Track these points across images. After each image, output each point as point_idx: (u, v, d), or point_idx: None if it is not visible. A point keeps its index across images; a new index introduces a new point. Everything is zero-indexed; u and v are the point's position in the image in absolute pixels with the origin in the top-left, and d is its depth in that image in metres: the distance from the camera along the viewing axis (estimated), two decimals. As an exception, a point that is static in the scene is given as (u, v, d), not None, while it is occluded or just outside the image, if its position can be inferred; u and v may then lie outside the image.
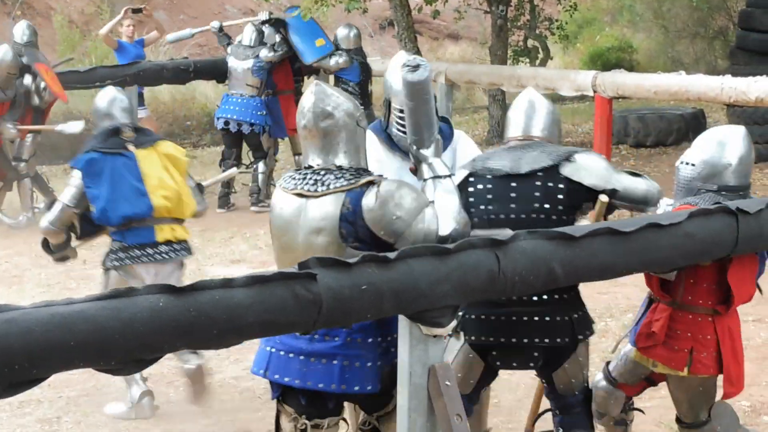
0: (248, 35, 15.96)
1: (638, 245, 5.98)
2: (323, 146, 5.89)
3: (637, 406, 8.26)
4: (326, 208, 5.78)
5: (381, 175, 5.94)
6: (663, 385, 8.42)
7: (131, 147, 8.75)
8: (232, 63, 15.82)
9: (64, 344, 4.23)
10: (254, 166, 15.85)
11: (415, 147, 6.09)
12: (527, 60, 20.59)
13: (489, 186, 6.43)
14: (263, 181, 15.75)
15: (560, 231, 5.77)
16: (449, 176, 6.01)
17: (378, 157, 6.82)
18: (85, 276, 12.10)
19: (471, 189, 6.45)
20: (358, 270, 5.03)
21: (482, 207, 6.41)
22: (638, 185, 6.48)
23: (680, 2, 27.08)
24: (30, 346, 4.16)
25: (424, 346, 5.36)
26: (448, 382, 5.35)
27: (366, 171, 5.93)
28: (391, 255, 5.17)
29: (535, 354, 6.40)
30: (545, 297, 6.33)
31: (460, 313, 6.17)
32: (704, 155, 6.82)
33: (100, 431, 8.17)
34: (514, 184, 6.38)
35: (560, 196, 6.34)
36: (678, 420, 7.15)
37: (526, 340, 6.30)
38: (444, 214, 5.81)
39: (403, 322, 5.38)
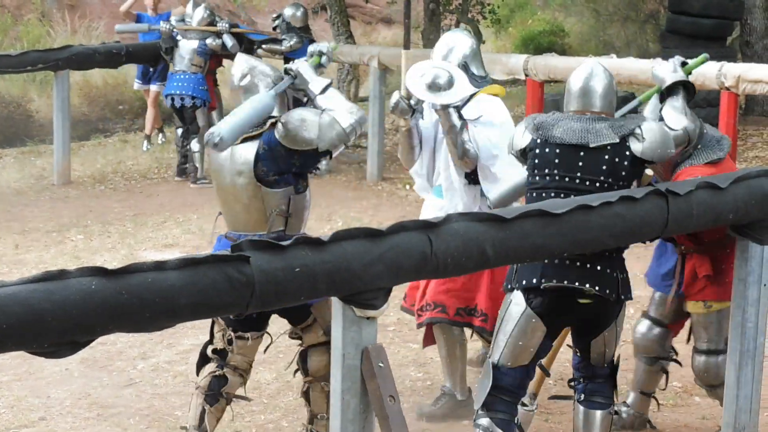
0: (197, 17, 15.94)
1: (569, 226, 6.01)
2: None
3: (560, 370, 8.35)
4: (246, 153, 6.97)
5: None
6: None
7: None
8: (180, 43, 15.84)
9: (-5, 326, 4.22)
10: (187, 145, 15.89)
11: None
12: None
13: (557, 151, 6.61)
14: (199, 159, 15.76)
15: (492, 213, 5.83)
16: (328, 86, 7.13)
17: None
18: (17, 260, 12.05)
19: (537, 151, 6.66)
20: (292, 252, 5.03)
21: (547, 171, 6.61)
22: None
23: (611, -14, 27.25)
24: (-38, 328, 4.15)
25: (358, 328, 5.36)
26: (381, 364, 5.36)
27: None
28: (325, 237, 5.19)
29: (585, 308, 6.58)
30: (603, 254, 6.53)
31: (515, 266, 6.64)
32: None
33: (34, 415, 8.14)
34: (582, 154, 6.59)
35: (624, 172, 6.58)
36: (704, 351, 7.51)
37: (577, 284, 6.45)
38: (339, 112, 6.96)
39: (336, 305, 5.39)
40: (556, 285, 6.48)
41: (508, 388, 6.59)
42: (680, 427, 7.78)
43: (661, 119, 6.97)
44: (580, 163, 6.58)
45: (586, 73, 6.86)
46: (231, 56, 15.76)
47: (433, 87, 7.64)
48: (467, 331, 8.07)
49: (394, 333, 9.45)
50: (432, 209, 8.16)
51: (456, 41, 8.26)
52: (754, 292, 6.89)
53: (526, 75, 13.99)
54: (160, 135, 19.23)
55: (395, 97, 7.97)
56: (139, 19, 17.68)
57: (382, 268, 5.31)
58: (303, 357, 7.33)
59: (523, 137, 6.75)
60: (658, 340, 7.64)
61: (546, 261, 6.45)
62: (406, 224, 5.49)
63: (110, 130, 20.52)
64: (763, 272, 6.90)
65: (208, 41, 15.75)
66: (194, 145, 15.81)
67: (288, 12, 16.55)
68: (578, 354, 6.88)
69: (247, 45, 16.26)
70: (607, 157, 6.58)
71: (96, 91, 18.35)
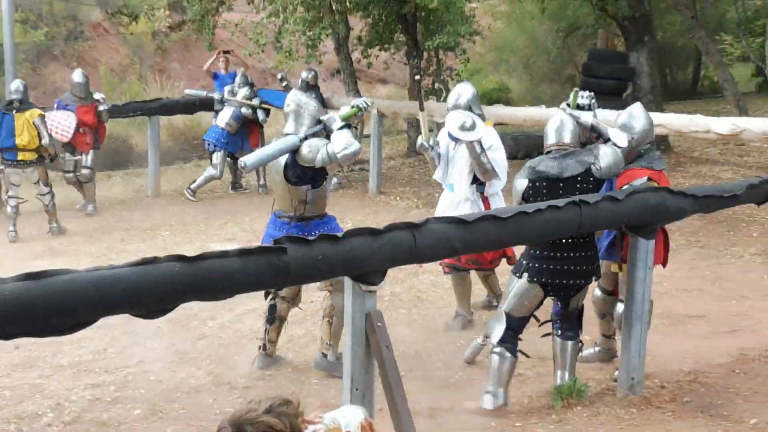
0: (241, 93, 15.93)
1: (512, 227, 6.06)
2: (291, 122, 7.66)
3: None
4: (281, 162, 7.53)
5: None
6: (530, 323, 8.51)
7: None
8: (225, 107, 15.86)
9: (108, 297, 4.26)
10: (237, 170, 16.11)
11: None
12: (434, 97, 20.59)
13: (544, 184, 6.92)
14: (203, 180, 15.93)
15: (458, 217, 5.83)
16: (343, 127, 7.58)
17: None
18: (123, 250, 12.04)
19: (530, 185, 6.94)
20: (316, 245, 5.06)
21: (539, 198, 6.79)
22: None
23: (542, 57, 27.23)
24: (84, 298, 4.18)
25: (362, 299, 5.38)
26: (379, 324, 5.37)
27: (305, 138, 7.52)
28: (339, 234, 5.20)
29: (573, 289, 7.07)
30: (585, 254, 6.98)
31: (525, 262, 7.02)
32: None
33: (135, 359, 8.14)
34: (561, 184, 6.90)
35: (592, 187, 6.91)
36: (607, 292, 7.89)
37: (571, 282, 6.98)
38: (337, 143, 7.41)
39: (347, 282, 5.40)
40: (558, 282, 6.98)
41: (514, 328, 7.10)
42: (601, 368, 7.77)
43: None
44: (560, 191, 6.84)
45: (558, 120, 7.19)
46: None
47: (463, 128, 8.41)
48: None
49: (389, 302, 9.45)
50: (446, 200, 9.01)
51: (463, 90, 9.07)
52: (642, 273, 6.91)
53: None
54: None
55: (419, 140, 9.09)
56: (215, 76, 17.76)
57: (380, 256, 5.34)
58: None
59: (521, 185, 7.02)
60: (605, 302, 7.86)
61: (545, 266, 6.91)
62: (397, 225, 5.53)
63: (188, 158, 20.50)
64: (647, 259, 6.92)
65: (243, 110, 15.74)
66: (209, 169, 16.05)
67: (304, 74, 16.53)
68: (559, 305, 7.25)
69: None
70: (578, 183, 6.89)
71: (178, 130, 18.35)
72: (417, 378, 7.45)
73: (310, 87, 16.20)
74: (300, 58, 17.74)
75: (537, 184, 6.92)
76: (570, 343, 7.21)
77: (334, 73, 23.78)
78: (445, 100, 20.46)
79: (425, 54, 19.92)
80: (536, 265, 6.94)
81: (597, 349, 8.06)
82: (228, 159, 16.03)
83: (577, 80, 23.65)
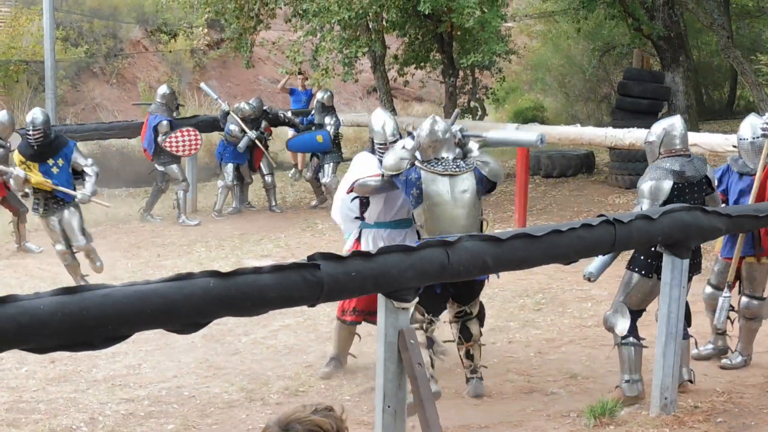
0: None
1: (545, 245, 6.02)
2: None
3: (544, 360, 8.32)
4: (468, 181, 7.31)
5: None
6: (563, 342, 8.46)
7: None
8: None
9: (143, 312, 4.27)
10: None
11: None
12: (470, 115, 20.60)
13: (686, 185, 7.25)
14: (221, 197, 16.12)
15: (491, 235, 5.81)
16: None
17: (369, 163, 7.87)
18: (159, 266, 12.11)
19: (675, 186, 7.17)
20: (349, 261, 5.06)
21: (684, 200, 7.16)
22: None
23: (577, 76, 27.12)
24: (120, 313, 4.20)
25: (395, 315, 5.38)
26: (412, 341, 5.37)
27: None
28: (372, 251, 5.20)
29: None
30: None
31: (639, 257, 7.28)
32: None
33: (169, 373, 8.16)
34: (695, 187, 7.32)
35: (706, 194, 7.44)
36: (752, 296, 8.10)
37: None
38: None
39: (380, 298, 5.40)
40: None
41: (635, 319, 7.38)
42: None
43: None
44: (695, 193, 7.28)
45: (681, 126, 7.45)
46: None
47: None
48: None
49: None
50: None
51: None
52: (676, 292, 6.86)
53: (517, 138, 13.97)
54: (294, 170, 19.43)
55: None
56: (291, 92, 18.03)
57: (412, 273, 5.33)
58: (462, 329, 7.55)
59: (667, 185, 7.18)
60: (715, 299, 8.16)
61: (655, 262, 7.15)
62: (430, 242, 5.55)
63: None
64: (681, 277, 6.88)
65: (242, 143, 15.80)
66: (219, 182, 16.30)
67: (320, 95, 16.37)
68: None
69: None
70: (703, 186, 7.34)
71: (215, 147, 18.35)
72: (448, 395, 7.43)
73: (326, 108, 16.17)
74: (336, 75, 17.81)
75: (680, 185, 7.19)
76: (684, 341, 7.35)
77: (371, 91, 23.84)
78: (481, 119, 20.55)
79: (461, 72, 19.94)
80: (648, 261, 7.20)
81: (710, 346, 8.36)
82: (235, 172, 16.04)
83: (613, 99, 23.59)
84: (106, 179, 18.96)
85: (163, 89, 15.36)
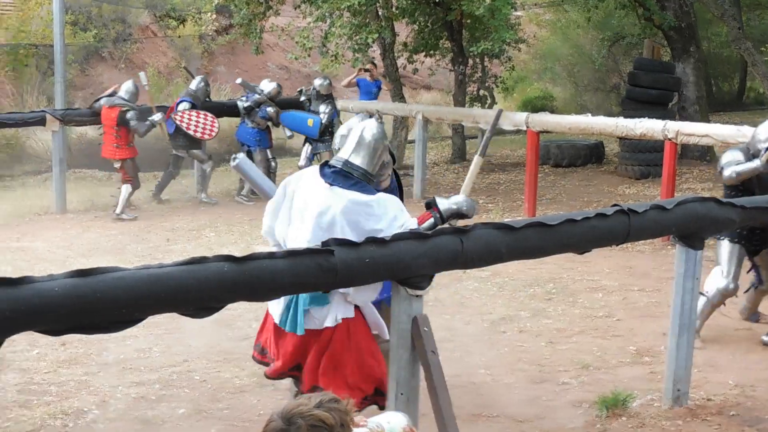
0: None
1: (559, 234, 5.95)
2: None
3: (555, 350, 8.29)
4: None
5: None
6: (573, 332, 8.43)
7: None
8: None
9: (156, 295, 4.24)
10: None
11: None
12: (479, 104, 20.57)
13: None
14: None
15: (505, 223, 5.76)
16: None
17: None
18: (168, 250, 12.09)
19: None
20: (363, 248, 5.01)
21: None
22: None
23: (586, 66, 27.10)
24: (133, 296, 4.17)
25: (409, 303, 5.32)
26: (425, 328, 5.32)
27: None
28: (386, 238, 5.15)
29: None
30: None
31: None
32: None
33: (179, 358, 8.14)
34: None
35: None
36: None
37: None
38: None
39: (394, 285, 5.35)
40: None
41: None
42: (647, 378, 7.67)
43: None
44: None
45: None
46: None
47: None
48: None
49: (432, 307, 9.40)
50: None
51: None
52: (689, 283, 6.81)
53: (527, 127, 13.91)
54: None
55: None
56: (358, 84, 18.12)
57: (426, 260, 5.27)
58: None
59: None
60: None
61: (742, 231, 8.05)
62: (443, 229, 5.48)
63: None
64: (695, 269, 6.83)
65: (269, 109, 15.80)
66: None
67: (318, 82, 16.36)
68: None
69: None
70: None
71: (223, 132, 18.31)
72: (461, 383, 7.40)
73: (321, 96, 16.09)
74: (346, 61, 17.78)
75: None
76: None
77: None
78: (490, 107, 20.52)
79: (470, 61, 19.90)
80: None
81: None
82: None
83: (622, 89, 23.56)
84: (115, 163, 18.99)
85: (197, 81, 15.59)
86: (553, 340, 8.50)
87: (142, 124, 14.51)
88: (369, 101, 18.08)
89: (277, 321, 5.67)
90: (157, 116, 14.85)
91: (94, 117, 15.49)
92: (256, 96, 15.78)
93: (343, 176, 5.52)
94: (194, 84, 15.61)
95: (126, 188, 14.50)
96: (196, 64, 26.62)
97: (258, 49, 19.14)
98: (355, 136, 5.67)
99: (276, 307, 5.67)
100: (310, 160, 15.91)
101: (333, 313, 5.55)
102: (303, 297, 5.46)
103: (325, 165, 5.65)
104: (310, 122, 15.74)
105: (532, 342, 8.49)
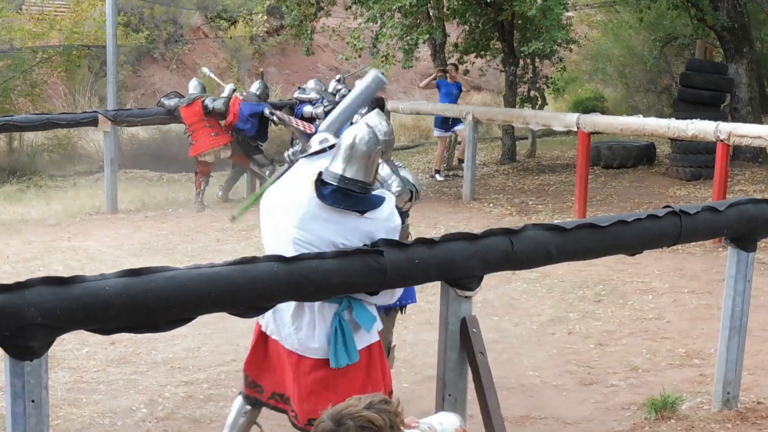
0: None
1: (610, 235, 5.93)
2: None
3: (604, 352, 8.25)
4: None
5: None
6: (623, 334, 8.39)
7: None
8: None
9: (207, 294, 4.29)
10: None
11: None
12: (530, 105, 20.49)
13: None
14: None
15: (556, 224, 5.74)
16: None
17: None
18: (218, 250, 12.15)
19: None
20: (413, 248, 5.02)
21: None
22: None
23: (638, 66, 26.88)
24: (184, 295, 4.22)
25: (458, 304, 5.33)
26: (474, 330, 5.32)
27: None
28: (436, 238, 5.16)
29: None
30: None
31: None
32: None
33: (228, 357, 8.18)
34: None
35: None
36: None
37: None
38: None
39: (443, 286, 5.36)
40: None
41: None
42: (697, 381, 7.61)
43: None
44: None
45: None
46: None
47: None
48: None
49: (480, 308, 9.39)
50: None
51: None
52: (741, 285, 6.75)
53: (578, 128, 13.84)
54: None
55: None
56: (438, 86, 18.18)
57: (476, 261, 5.27)
58: None
59: None
60: None
61: None
62: (494, 230, 5.46)
63: (282, 161, 20.62)
64: (747, 271, 6.77)
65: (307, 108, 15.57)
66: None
67: (341, 86, 15.81)
68: None
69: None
70: None
71: (273, 132, 18.37)
72: (509, 385, 7.38)
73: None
74: (397, 62, 17.78)
75: None
76: None
77: (429, 79, 23.79)
78: (541, 108, 20.44)
79: (521, 61, 19.84)
80: None
81: None
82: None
83: (674, 90, 23.37)
84: (166, 164, 19.14)
85: (257, 84, 15.71)
86: (602, 342, 8.47)
87: (220, 101, 14.99)
88: (448, 104, 17.90)
89: (317, 357, 5.19)
90: (228, 87, 15.36)
91: (144, 118, 15.63)
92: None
93: (343, 195, 5.06)
94: (255, 87, 15.66)
95: (207, 180, 15.23)
96: (247, 65, 26.75)
97: (308, 50, 19.19)
98: (347, 145, 5.15)
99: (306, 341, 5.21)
100: None
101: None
102: (347, 326, 5.15)
103: (319, 180, 5.13)
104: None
105: (581, 344, 8.46)
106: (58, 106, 21.29)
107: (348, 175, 5.08)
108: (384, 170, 6.28)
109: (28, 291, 3.91)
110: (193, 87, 15.37)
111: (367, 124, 5.34)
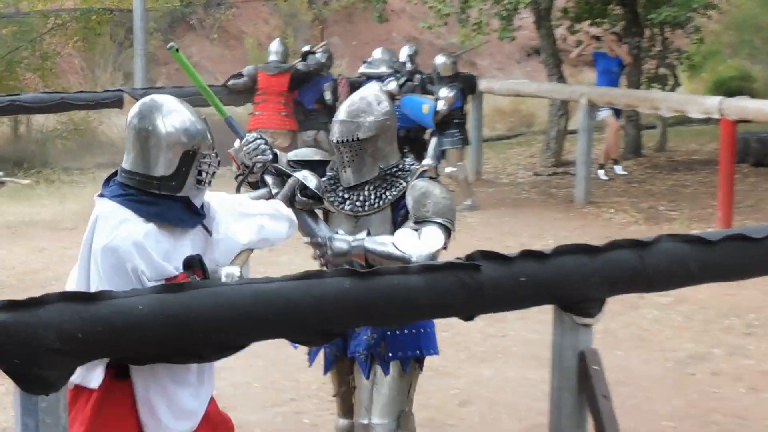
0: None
1: (766, 251, 5.84)
2: None
3: (759, 398, 8.17)
4: None
5: None
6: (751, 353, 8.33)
7: None
8: None
9: (263, 317, 4.29)
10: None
11: None
12: (659, 85, 20.37)
13: None
14: None
15: (698, 235, 5.67)
16: None
17: None
18: (272, 262, 12.19)
19: None
20: (518, 263, 4.99)
21: None
22: None
23: (795, 38, 26.71)
24: (233, 316, 4.22)
25: (575, 334, 5.28)
26: (596, 366, 5.27)
27: None
28: (547, 251, 5.12)
29: None
30: None
31: None
32: None
33: (286, 395, 8.21)
34: None
35: None
36: None
37: None
38: None
39: (555, 311, 5.31)
40: None
41: None
42: None
43: None
44: None
45: None
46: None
47: None
48: None
49: (601, 340, 9.29)
50: None
51: None
52: None
53: (720, 115, 13.71)
54: (617, 167, 18.61)
55: None
56: (595, 59, 18.34)
57: (598, 280, 5.23)
58: None
59: None
60: None
61: None
62: (619, 242, 5.41)
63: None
64: None
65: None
66: None
67: (439, 61, 15.51)
68: None
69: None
70: None
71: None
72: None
73: (442, 78, 15.27)
74: (492, 32, 17.75)
75: None
76: None
77: (531, 53, 23.75)
78: (672, 89, 20.31)
79: (647, 31, 19.72)
80: None
81: None
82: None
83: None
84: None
85: (320, 55, 16.15)
86: (756, 387, 8.38)
87: (306, 64, 15.89)
88: (608, 87, 17.66)
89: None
90: (321, 48, 16.27)
91: (180, 98, 15.79)
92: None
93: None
94: (318, 56, 15.93)
95: None
96: (305, 35, 26.88)
97: (381, 16, 19.22)
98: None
99: None
100: (438, 159, 15.17)
101: None
102: None
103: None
104: (425, 108, 14.97)
105: (729, 388, 8.39)
106: (74, 84, 21.56)
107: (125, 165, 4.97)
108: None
109: (44, 309, 3.92)
110: (275, 50, 16.12)
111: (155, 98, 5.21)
